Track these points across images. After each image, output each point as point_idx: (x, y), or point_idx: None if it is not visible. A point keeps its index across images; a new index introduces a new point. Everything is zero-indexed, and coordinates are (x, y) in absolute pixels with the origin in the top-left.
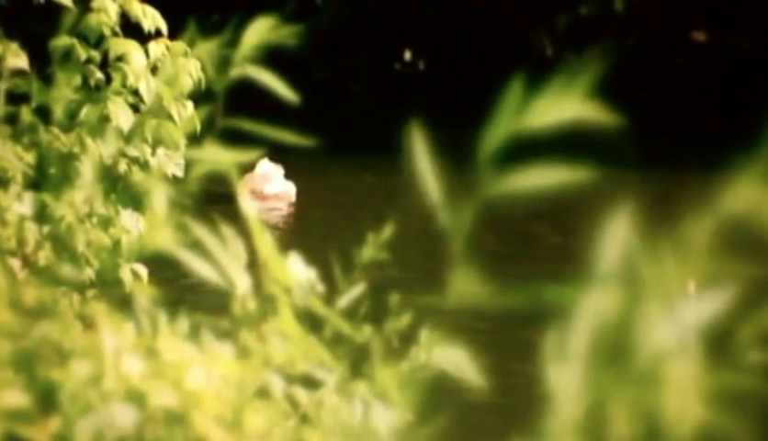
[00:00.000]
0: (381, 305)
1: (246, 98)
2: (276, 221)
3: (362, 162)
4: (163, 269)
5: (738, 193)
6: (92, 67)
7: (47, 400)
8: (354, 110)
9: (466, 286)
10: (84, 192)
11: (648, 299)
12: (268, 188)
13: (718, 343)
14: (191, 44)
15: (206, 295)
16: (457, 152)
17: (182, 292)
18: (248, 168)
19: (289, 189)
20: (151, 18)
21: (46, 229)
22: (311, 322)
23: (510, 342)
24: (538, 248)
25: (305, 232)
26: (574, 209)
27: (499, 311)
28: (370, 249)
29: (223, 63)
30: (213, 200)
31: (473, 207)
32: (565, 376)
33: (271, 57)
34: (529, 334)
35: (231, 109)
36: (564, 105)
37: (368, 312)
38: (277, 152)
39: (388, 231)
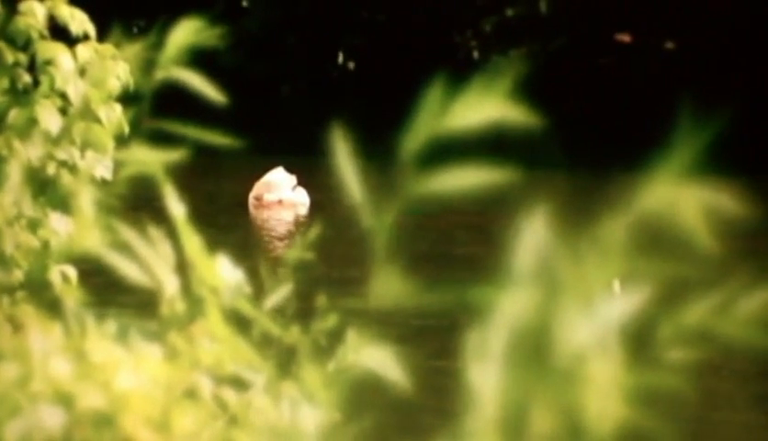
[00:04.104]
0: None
1: (179, 100)
2: (273, 227)
3: (289, 162)
4: (93, 271)
5: (652, 192)
6: (19, 70)
7: None
8: (284, 111)
9: (388, 285)
10: (12, 195)
11: (568, 299)
12: (270, 196)
13: (639, 341)
14: (117, 47)
15: (134, 296)
16: (385, 152)
17: (110, 294)
18: (260, 176)
19: (300, 198)
20: (79, 22)
21: None
22: (240, 322)
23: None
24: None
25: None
26: (497, 209)
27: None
28: (297, 250)
29: (149, 66)
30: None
31: (395, 207)
32: (486, 375)
33: (203, 59)
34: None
35: (165, 111)
36: (485, 106)
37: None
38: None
39: (314, 232)
